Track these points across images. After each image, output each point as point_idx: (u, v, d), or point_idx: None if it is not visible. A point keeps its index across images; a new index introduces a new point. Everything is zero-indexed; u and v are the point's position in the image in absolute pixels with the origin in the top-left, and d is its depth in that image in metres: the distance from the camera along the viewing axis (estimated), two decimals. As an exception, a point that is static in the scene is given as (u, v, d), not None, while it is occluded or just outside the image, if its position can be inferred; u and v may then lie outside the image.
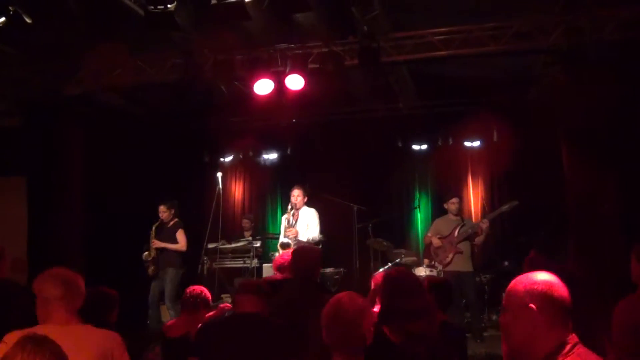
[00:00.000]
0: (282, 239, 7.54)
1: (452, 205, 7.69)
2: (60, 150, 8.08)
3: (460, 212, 7.85)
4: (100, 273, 8.04)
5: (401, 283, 3.07)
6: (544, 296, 2.00)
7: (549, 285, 2.01)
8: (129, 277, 7.63)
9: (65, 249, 7.68)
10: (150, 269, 7.91)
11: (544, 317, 1.99)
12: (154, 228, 8.02)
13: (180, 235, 7.99)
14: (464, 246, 7.42)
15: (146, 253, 7.93)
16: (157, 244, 7.89)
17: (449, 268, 7.39)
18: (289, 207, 7.66)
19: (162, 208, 8.06)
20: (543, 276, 2.06)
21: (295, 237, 7.38)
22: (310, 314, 3.13)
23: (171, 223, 8.08)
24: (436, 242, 7.50)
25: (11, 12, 5.36)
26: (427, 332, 2.87)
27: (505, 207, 7.42)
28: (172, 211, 8.09)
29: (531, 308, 1.99)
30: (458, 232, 7.42)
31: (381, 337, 2.84)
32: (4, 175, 8.01)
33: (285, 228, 7.58)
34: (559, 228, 8.11)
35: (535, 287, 2.02)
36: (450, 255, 7.36)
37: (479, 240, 7.43)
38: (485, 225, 7.37)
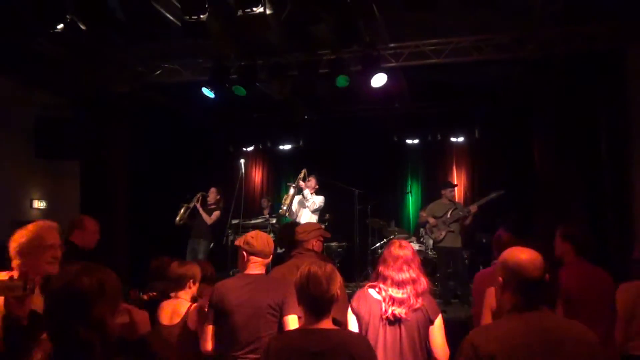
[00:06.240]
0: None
1: (449, 192, 7.73)
2: (109, 139, 8.21)
3: (453, 197, 7.87)
4: (141, 246, 8.24)
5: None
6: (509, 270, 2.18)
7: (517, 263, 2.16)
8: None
9: (113, 225, 7.80)
10: (179, 215, 7.98)
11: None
12: (199, 196, 8.17)
13: (215, 214, 8.20)
14: (455, 226, 7.48)
15: (187, 205, 8.07)
16: (198, 207, 8.06)
17: (442, 244, 7.47)
18: (296, 184, 7.89)
19: (214, 190, 8.31)
20: (515, 254, 2.18)
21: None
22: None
23: (214, 205, 8.27)
24: (432, 221, 7.57)
25: (68, 20, 5.42)
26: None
27: (493, 195, 7.41)
28: (219, 197, 8.31)
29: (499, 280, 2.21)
30: (450, 214, 7.46)
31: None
32: (61, 158, 8.10)
33: (284, 199, 7.93)
34: (528, 211, 8.20)
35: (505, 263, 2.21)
36: (443, 233, 7.44)
37: (467, 221, 7.49)
38: (474, 209, 7.43)
